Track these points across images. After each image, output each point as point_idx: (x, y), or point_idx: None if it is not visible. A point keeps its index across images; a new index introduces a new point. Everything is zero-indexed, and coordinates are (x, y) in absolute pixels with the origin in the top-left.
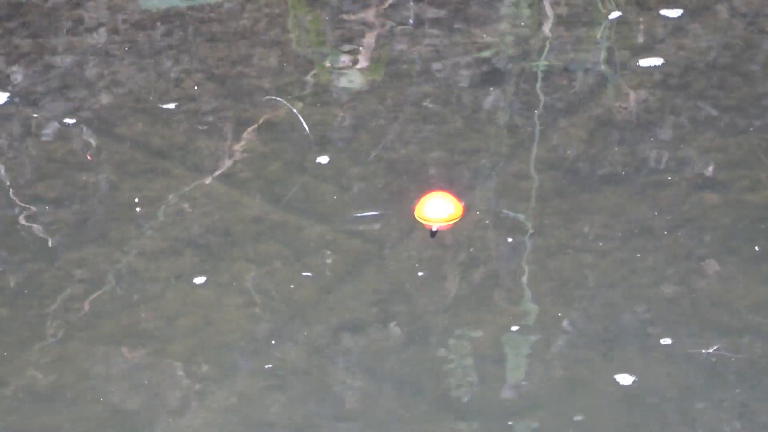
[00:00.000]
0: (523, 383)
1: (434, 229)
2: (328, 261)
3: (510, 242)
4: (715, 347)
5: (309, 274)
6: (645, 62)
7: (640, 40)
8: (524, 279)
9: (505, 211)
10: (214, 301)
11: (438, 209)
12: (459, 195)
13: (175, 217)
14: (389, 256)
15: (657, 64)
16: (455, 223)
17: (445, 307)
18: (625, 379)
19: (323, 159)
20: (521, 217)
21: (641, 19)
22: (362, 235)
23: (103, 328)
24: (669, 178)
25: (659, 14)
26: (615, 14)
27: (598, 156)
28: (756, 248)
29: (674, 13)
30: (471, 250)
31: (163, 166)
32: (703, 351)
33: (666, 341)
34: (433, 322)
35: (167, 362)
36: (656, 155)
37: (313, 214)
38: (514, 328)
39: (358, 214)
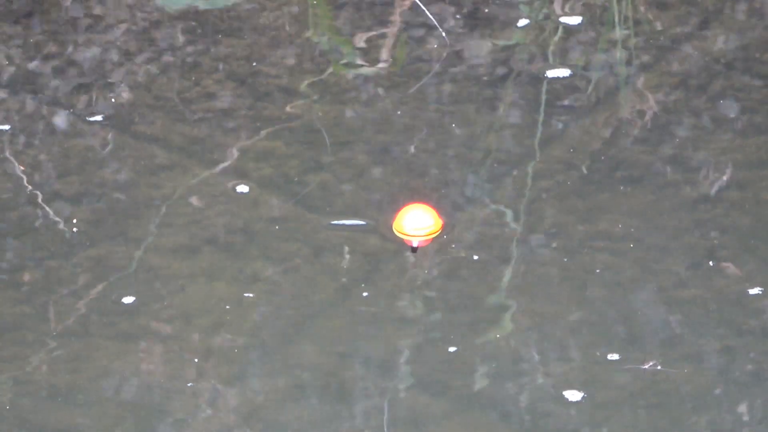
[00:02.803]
0: (531, 380)
1: (415, 245)
2: (348, 259)
3: (527, 241)
4: (651, 362)
5: (251, 294)
6: (552, 73)
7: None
8: (541, 279)
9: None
10: (232, 300)
11: (417, 222)
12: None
13: (193, 214)
14: (408, 255)
15: (565, 75)
16: (435, 237)
17: (462, 306)
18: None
19: (243, 188)
20: (510, 216)
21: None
22: (381, 233)
23: (120, 326)
24: (687, 178)
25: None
26: (576, 19)
27: (616, 156)
28: None
29: (574, 20)
30: (487, 249)
31: (182, 163)
32: (643, 367)
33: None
34: (451, 320)
35: (185, 360)
36: (675, 154)
37: (332, 212)
38: (528, 327)
39: (337, 222)
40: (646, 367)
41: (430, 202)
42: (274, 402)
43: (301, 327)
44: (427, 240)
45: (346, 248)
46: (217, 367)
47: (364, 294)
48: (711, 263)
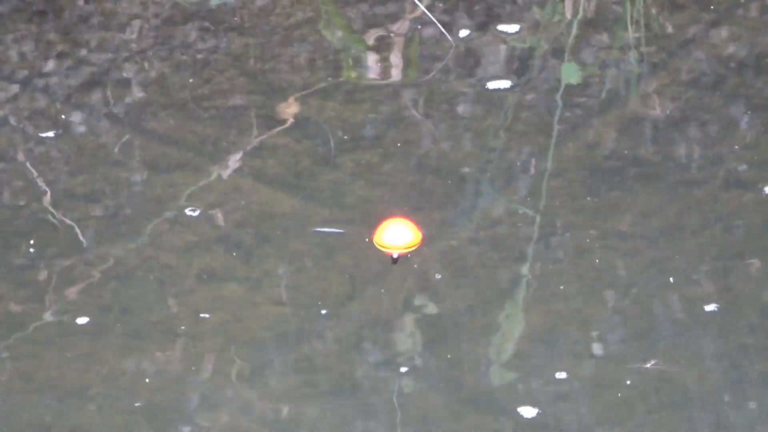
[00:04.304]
0: (545, 379)
1: (395, 255)
2: (359, 258)
3: (541, 240)
4: (653, 362)
5: (207, 315)
6: (492, 84)
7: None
8: (554, 277)
9: (519, 208)
10: (244, 298)
11: (396, 236)
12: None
13: (205, 213)
14: (418, 255)
15: (505, 87)
16: (414, 249)
17: (474, 305)
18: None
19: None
20: (530, 212)
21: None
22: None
23: (132, 325)
24: (699, 178)
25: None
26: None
27: (629, 155)
28: None
29: (512, 28)
30: (500, 248)
31: (194, 161)
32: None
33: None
34: (463, 318)
35: (197, 359)
36: (687, 153)
37: (343, 211)
38: (541, 326)
39: (319, 230)
40: (649, 365)
41: (411, 216)
42: (287, 401)
43: (312, 326)
44: (406, 252)
45: (358, 247)
46: (229, 365)
47: (375, 292)
48: (723, 262)
